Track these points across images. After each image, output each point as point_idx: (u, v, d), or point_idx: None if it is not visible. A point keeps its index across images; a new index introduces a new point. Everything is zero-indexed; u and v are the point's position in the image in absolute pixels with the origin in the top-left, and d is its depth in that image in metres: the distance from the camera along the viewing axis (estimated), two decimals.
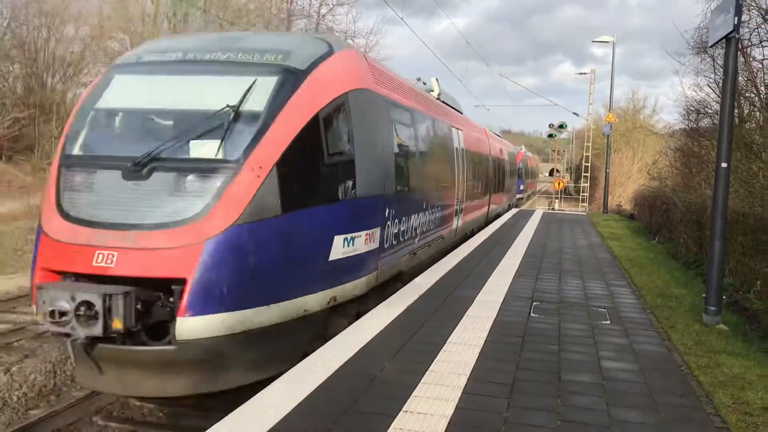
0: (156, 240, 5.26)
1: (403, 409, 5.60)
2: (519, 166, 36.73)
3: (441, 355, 7.13)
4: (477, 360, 7.02)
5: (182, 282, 5.23)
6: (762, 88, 16.21)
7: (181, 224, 5.29)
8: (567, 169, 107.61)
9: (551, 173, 64.02)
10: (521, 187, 38.20)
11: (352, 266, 7.09)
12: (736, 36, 9.27)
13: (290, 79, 6.02)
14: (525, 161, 42.63)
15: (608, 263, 15.28)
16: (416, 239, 10.40)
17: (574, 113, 47.69)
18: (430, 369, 6.66)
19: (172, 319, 5.28)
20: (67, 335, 5.28)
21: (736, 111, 17.02)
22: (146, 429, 7.89)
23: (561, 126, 40.62)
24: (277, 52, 6.42)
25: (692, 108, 20.02)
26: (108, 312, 5.10)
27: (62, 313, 5.18)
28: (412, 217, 9.83)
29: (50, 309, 5.21)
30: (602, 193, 38.40)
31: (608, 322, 9.16)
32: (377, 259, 8.15)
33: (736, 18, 8.97)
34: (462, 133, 15.45)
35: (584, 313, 9.67)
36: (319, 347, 6.63)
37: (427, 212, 11.04)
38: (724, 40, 9.43)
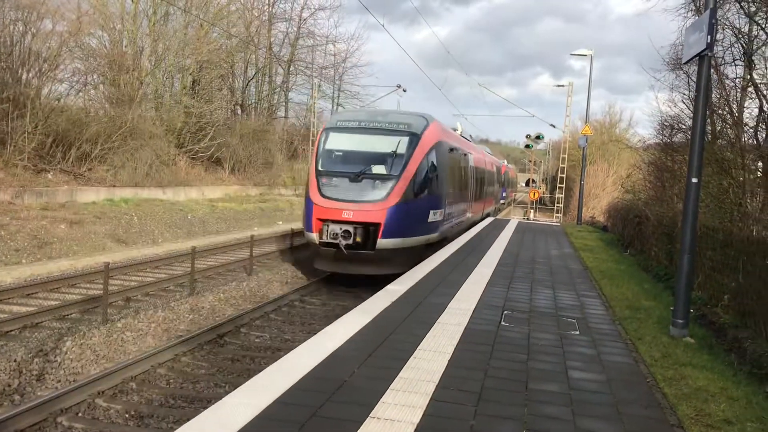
0: (367, 207, 12.15)
1: (371, 415, 5.60)
2: (503, 177, 46.70)
3: (411, 362, 7.15)
4: (446, 367, 7.05)
5: (378, 225, 12.30)
6: (734, 105, 16.50)
7: (376, 201, 12.28)
8: (543, 180, 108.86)
9: (527, 183, 65.29)
10: (504, 194, 48.51)
11: (433, 227, 14.43)
12: (709, 54, 9.44)
13: (414, 138, 13.36)
14: (507, 173, 52.73)
15: (579, 274, 15.42)
16: (453, 219, 18.48)
17: (551, 125, 48.23)
18: (399, 376, 6.67)
19: (375, 240, 12.56)
20: (336, 246, 12.38)
21: (708, 127, 17.31)
22: (111, 430, 7.82)
23: (538, 137, 40.98)
24: (406, 124, 13.90)
25: (666, 123, 20.32)
26: (354, 234, 12.20)
27: (335, 236, 12.29)
28: (453, 206, 17.67)
29: (331, 233, 12.26)
30: (577, 205, 38.81)
31: (577, 332, 9.24)
32: (440, 225, 15.63)
33: (710, 36, 9.13)
34: (472, 155, 23.64)
35: (554, 323, 9.75)
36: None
37: (458, 205, 19.31)
38: (697, 57, 9.60)
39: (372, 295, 10.85)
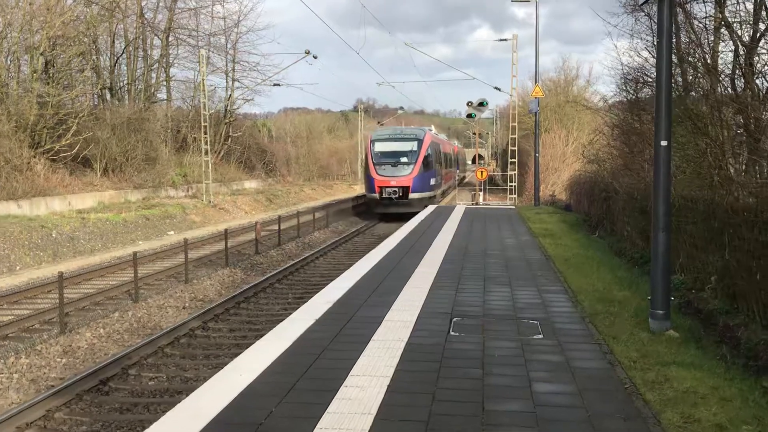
0: (402, 178, 39.17)
1: None
2: (457, 156, 69.68)
3: (341, 392, 7.16)
4: (385, 394, 7.08)
5: (408, 187, 39.15)
6: (706, 50, 17.04)
7: (406, 175, 39.32)
8: (492, 156, 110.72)
9: (474, 161, 66.77)
10: (458, 171, 69.29)
11: (433, 187, 42.40)
12: None
13: (420, 142, 41.24)
14: (459, 153, 77.80)
15: (540, 265, 15.75)
16: (441, 184, 47.07)
17: (496, 88, 48.49)
18: (327, 411, 6.66)
19: (407, 194, 39.57)
20: (389, 198, 39.34)
21: (679, 78, 17.89)
22: None
23: (481, 104, 41.44)
24: (415, 134, 43.01)
25: (630, 76, 20.90)
26: (398, 192, 39.29)
27: (388, 193, 39.06)
28: (439, 177, 45.21)
29: (386, 192, 39.51)
30: (533, 182, 39.59)
31: (540, 336, 9.44)
32: (435, 188, 43.46)
33: None
34: (441, 146, 48.62)
35: (513, 327, 9.92)
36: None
37: (440, 175, 46.62)
38: None
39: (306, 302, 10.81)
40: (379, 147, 42.01)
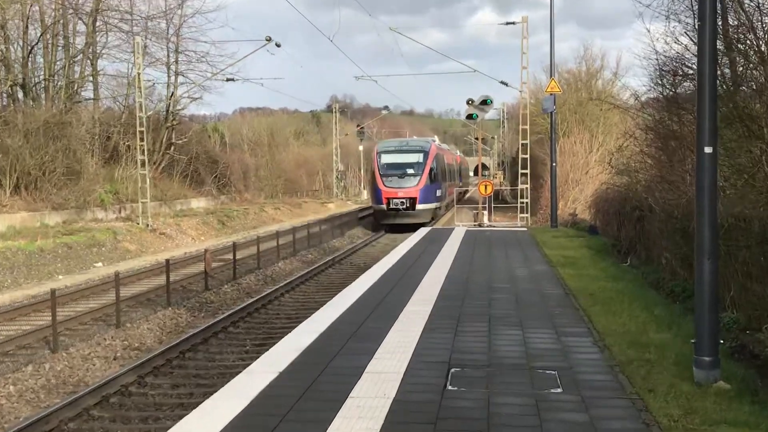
0: (409, 189, 50.26)
1: None
2: (460, 167, 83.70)
3: None
4: None
5: (415, 198, 50.19)
6: (760, 35, 17.13)
7: (413, 186, 50.52)
8: (499, 165, 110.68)
9: (476, 172, 69.12)
10: (461, 183, 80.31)
11: (438, 198, 54.44)
12: None
13: (425, 154, 53.35)
14: (461, 164, 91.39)
15: (559, 301, 15.78)
16: (445, 195, 59.44)
17: (503, 82, 48.10)
18: None
19: (414, 205, 50.53)
20: (396, 209, 50.11)
21: (726, 70, 18.00)
22: None
23: (484, 102, 41.50)
24: (420, 146, 55.84)
25: (666, 68, 21.05)
26: (405, 203, 50.31)
27: (395, 204, 50.33)
28: (443, 188, 58.09)
29: (393, 203, 50.52)
30: (549, 198, 39.75)
31: (559, 390, 9.46)
32: (443, 199, 57.72)
33: None
34: (446, 157, 64.54)
35: (525, 379, 9.93)
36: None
37: (445, 187, 59.28)
38: None
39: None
40: (386, 159, 53.12)
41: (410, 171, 51.55)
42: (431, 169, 52.10)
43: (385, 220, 51.29)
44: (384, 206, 50.75)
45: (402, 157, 52.98)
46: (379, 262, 23.43)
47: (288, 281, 28.15)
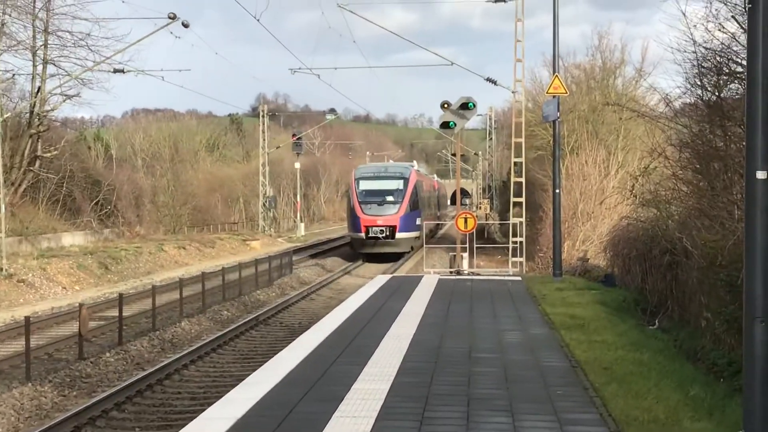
0: (389, 217, 66.14)
1: None
2: (438, 194, 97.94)
3: None
4: None
5: (395, 226, 65.88)
6: None
7: (392, 214, 66.54)
8: (484, 192, 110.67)
9: (453, 200, 75.01)
10: (439, 212, 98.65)
11: (420, 227, 68.63)
12: None
13: (406, 180, 70.26)
14: (439, 190, 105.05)
15: (563, 377, 15.82)
16: (423, 226, 71.27)
17: (490, 80, 47.78)
18: None
19: (395, 234, 65.94)
20: (376, 237, 65.74)
21: None
22: None
23: (465, 106, 41.63)
24: (400, 172, 73.31)
25: (707, 63, 21.22)
26: (384, 231, 65.79)
27: (375, 232, 65.81)
28: (424, 216, 73.75)
29: (372, 232, 65.97)
30: (551, 236, 39.78)
31: None
32: (422, 229, 68.75)
33: None
34: (424, 183, 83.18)
35: None
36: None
37: (426, 215, 76.13)
38: None
39: None
40: (365, 185, 68.26)
41: (390, 198, 66.82)
42: (412, 197, 67.71)
43: (364, 249, 66.44)
44: (363, 234, 65.17)
45: (381, 184, 68.57)
46: (320, 321, 23.43)
47: (194, 348, 27.98)
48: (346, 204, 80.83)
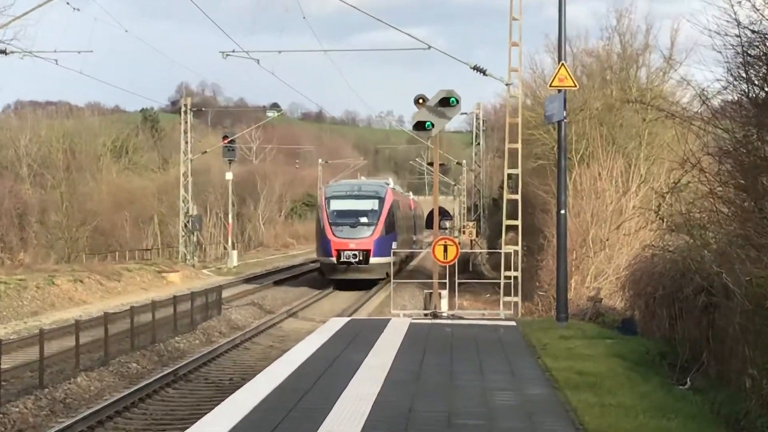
0: (362, 241, 79.58)
1: None
2: (414, 214, 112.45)
3: None
4: None
5: (369, 250, 78.94)
6: None
7: (366, 237, 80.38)
8: (469, 212, 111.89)
9: (429, 222, 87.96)
10: (415, 236, 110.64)
11: (392, 253, 75.56)
12: None
13: (381, 200, 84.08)
14: (416, 210, 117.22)
15: None
16: (402, 245, 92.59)
17: (477, 68, 47.93)
18: None
19: (368, 258, 79.14)
20: (348, 263, 78.72)
21: None
22: None
23: (446, 102, 41.76)
24: (375, 191, 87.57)
25: (754, 49, 21.32)
26: (358, 256, 78.89)
27: (347, 257, 78.88)
28: (400, 238, 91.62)
29: (344, 256, 79.26)
30: (554, 270, 39.80)
31: None
32: (398, 254, 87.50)
33: None
34: (400, 202, 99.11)
35: None
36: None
37: (402, 237, 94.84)
38: None
39: None
40: (336, 205, 79.53)
41: (363, 220, 78.50)
42: (387, 218, 78.94)
43: (334, 275, 77.73)
44: (333, 259, 75.77)
45: (354, 204, 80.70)
46: (257, 377, 23.48)
47: (93, 410, 27.96)
48: (316, 226, 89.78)
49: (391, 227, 77.29)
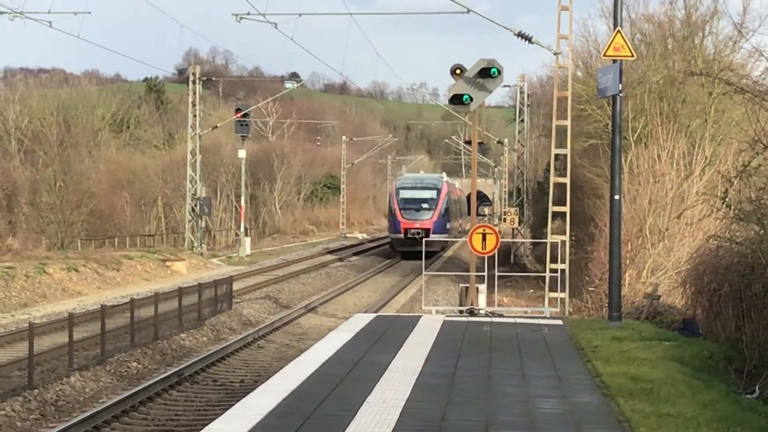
0: (424, 222, 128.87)
1: None
2: (459, 200, 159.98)
3: None
4: None
5: (429, 229, 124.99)
6: None
7: (427, 219, 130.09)
8: (511, 197, 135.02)
9: (467, 208, 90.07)
10: (461, 219, 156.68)
11: (449, 231, 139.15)
12: None
13: (438, 191, 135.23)
14: (461, 197, 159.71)
15: None
16: (454, 228, 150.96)
17: (522, 35, 47.77)
18: None
19: (428, 234, 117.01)
20: (413, 237, 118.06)
21: None
22: None
23: (486, 73, 41.71)
24: (434, 182, 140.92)
25: None
26: (420, 232, 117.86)
27: (412, 233, 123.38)
28: (453, 221, 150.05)
29: (410, 233, 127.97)
30: (607, 262, 39.71)
31: None
32: (452, 232, 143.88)
33: None
34: (452, 192, 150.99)
35: None
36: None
37: (455, 220, 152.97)
38: None
39: None
40: (404, 194, 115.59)
41: (425, 206, 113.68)
42: (443, 205, 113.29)
43: (403, 247, 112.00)
44: (402, 235, 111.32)
45: (418, 193, 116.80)
46: (271, 379, 23.48)
47: (88, 414, 27.97)
48: (387, 210, 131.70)
49: (446, 212, 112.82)
